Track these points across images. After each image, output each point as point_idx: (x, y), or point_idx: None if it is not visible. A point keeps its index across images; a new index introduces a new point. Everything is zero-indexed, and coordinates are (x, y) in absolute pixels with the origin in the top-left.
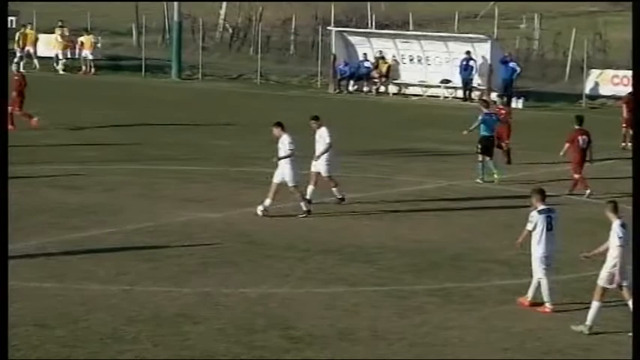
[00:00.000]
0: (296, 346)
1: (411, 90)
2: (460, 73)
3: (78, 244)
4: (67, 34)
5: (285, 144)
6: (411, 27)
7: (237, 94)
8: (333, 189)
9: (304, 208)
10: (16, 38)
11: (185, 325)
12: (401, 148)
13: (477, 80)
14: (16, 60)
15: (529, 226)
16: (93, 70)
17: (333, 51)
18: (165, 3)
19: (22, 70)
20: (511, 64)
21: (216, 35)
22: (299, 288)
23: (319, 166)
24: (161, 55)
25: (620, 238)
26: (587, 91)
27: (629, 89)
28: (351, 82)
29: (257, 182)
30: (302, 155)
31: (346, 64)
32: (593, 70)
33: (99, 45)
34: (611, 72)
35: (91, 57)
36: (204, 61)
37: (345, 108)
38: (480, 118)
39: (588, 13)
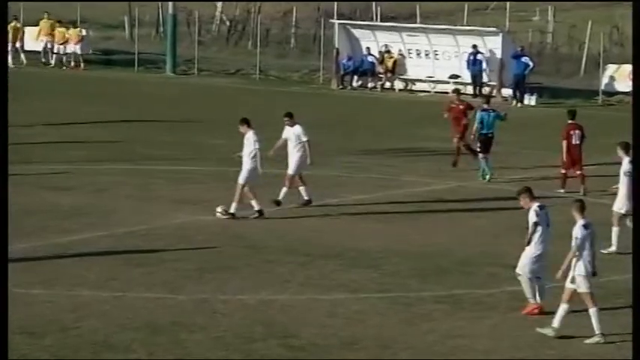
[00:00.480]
0: (297, 356)
1: (418, 86)
2: (468, 68)
3: (68, 248)
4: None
5: (250, 141)
6: (418, 19)
7: (235, 90)
8: (301, 188)
9: (232, 210)
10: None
11: (181, 334)
12: (407, 147)
13: (487, 75)
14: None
15: (533, 217)
16: (82, 65)
17: (336, 45)
18: None
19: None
20: (523, 59)
21: (212, 28)
22: (300, 294)
23: (290, 165)
24: (155, 49)
25: (576, 238)
26: (603, 87)
27: None
28: (355, 78)
29: (256, 183)
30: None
31: (350, 59)
32: (609, 65)
33: (83, 33)
34: (628, 67)
35: (79, 51)
36: (200, 56)
37: (349, 105)
38: (477, 115)
39: (605, 5)
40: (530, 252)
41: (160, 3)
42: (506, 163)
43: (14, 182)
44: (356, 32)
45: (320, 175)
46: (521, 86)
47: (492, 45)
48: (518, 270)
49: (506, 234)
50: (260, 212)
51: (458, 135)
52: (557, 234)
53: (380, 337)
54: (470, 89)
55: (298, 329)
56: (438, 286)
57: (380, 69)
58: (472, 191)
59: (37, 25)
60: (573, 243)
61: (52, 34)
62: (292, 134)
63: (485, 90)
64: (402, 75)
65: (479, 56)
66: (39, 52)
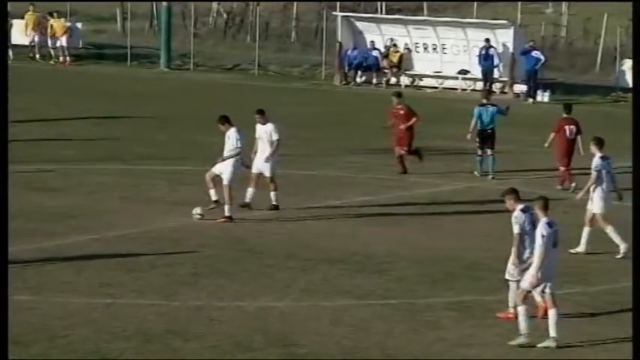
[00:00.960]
0: None
1: (425, 82)
2: (480, 63)
3: (56, 252)
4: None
5: (232, 139)
6: (425, 12)
7: (233, 86)
8: (272, 193)
9: (227, 213)
10: None
11: (175, 342)
12: (415, 145)
13: (499, 71)
14: None
15: (517, 229)
16: (68, 59)
17: (339, 38)
18: None
19: None
20: (534, 53)
21: (209, 21)
22: (301, 301)
23: (263, 166)
24: (148, 42)
25: (542, 237)
26: (619, 82)
27: None
28: (359, 73)
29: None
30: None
31: (355, 48)
32: (626, 59)
33: (68, 24)
34: None
35: (65, 44)
36: (196, 50)
37: (353, 101)
38: (475, 111)
39: None
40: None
41: None
42: (518, 163)
43: None
44: (360, 25)
45: (322, 176)
46: (533, 82)
47: (503, 39)
48: (507, 275)
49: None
50: (229, 218)
51: (395, 142)
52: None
53: (385, 345)
54: (479, 85)
55: (299, 338)
56: (446, 293)
57: (385, 64)
58: (481, 192)
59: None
60: (539, 241)
61: (40, 28)
62: (264, 132)
63: (496, 86)
64: (408, 70)
65: (491, 51)
66: (27, 47)
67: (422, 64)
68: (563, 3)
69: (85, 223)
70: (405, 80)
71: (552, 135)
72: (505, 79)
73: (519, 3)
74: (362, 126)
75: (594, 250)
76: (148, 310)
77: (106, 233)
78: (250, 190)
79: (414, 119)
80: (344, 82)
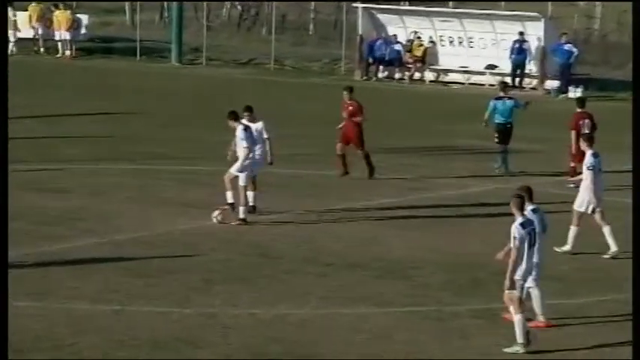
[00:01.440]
0: None
1: (450, 77)
2: (511, 57)
3: (61, 257)
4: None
5: (237, 138)
6: (450, 3)
7: (248, 81)
8: (251, 193)
9: (242, 215)
10: None
11: (186, 351)
12: (439, 145)
13: (530, 66)
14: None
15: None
16: (71, 52)
17: (360, 31)
18: None
19: None
20: (566, 46)
21: (222, 13)
22: (320, 309)
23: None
24: (159, 36)
25: (514, 238)
26: None
27: None
28: (381, 68)
29: (270, 184)
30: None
31: (377, 39)
32: None
33: (73, 15)
34: None
35: (70, 37)
36: (209, 44)
37: (374, 98)
38: (490, 104)
39: None
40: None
41: None
42: (549, 163)
43: None
44: (382, 17)
45: (343, 176)
46: (566, 77)
47: (534, 31)
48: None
49: (548, 242)
50: (244, 220)
51: (340, 139)
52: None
53: (409, 355)
54: (508, 80)
55: (318, 347)
56: (473, 300)
57: (408, 58)
58: (511, 194)
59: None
60: (512, 243)
61: (44, 20)
62: (254, 130)
63: (527, 82)
64: (432, 65)
65: (525, 45)
66: (30, 40)
67: (447, 58)
68: None
69: (92, 225)
70: (429, 75)
71: (573, 133)
72: (536, 74)
73: None
74: (384, 124)
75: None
76: (159, 317)
77: (113, 236)
78: (251, 194)
79: (359, 118)
80: (365, 78)
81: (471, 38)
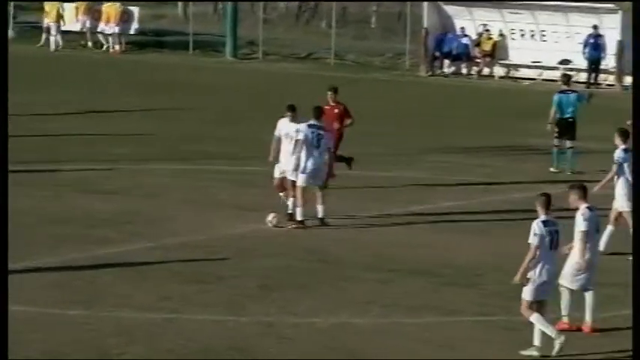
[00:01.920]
0: None
1: (521, 72)
2: (584, 52)
3: (110, 262)
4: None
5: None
6: None
7: (306, 77)
8: (290, 200)
9: (299, 218)
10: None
11: None
12: (509, 144)
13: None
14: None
15: (584, 227)
16: (118, 47)
17: (425, 24)
18: None
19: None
20: None
21: (280, 5)
22: (383, 317)
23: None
24: (213, 29)
25: (534, 234)
26: None
27: None
28: (447, 63)
29: (332, 186)
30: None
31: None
32: None
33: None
34: None
35: (117, 31)
36: (266, 37)
37: (440, 94)
38: (554, 98)
39: None
40: (573, 262)
41: None
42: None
43: (43, 185)
44: (448, 9)
45: (405, 178)
46: None
47: (610, 24)
48: (561, 280)
49: (626, 247)
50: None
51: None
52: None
53: None
54: (583, 76)
55: (380, 358)
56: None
57: (477, 52)
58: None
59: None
60: (530, 239)
61: (92, 12)
62: (293, 131)
63: (604, 78)
64: (502, 60)
65: (600, 40)
66: (77, 33)
67: (518, 52)
68: None
69: (142, 229)
70: (498, 71)
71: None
72: (613, 69)
73: None
74: (450, 122)
75: None
76: (212, 326)
77: (164, 241)
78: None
79: (349, 120)
80: (430, 73)
81: (543, 31)
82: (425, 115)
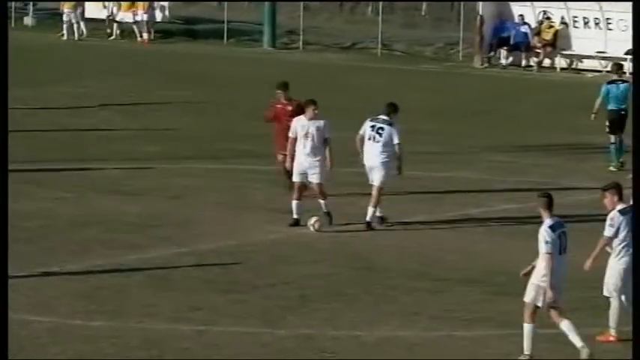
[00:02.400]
0: None
1: (585, 64)
2: None
3: (137, 269)
4: None
5: (322, 129)
6: None
7: (351, 68)
8: (323, 202)
9: (368, 218)
10: None
11: None
12: (571, 142)
13: None
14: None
15: (609, 232)
16: (145, 37)
17: (480, 11)
18: None
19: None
20: None
21: None
22: (432, 330)
23: (312, 170)
24: (249, 17)
25: (547, 243)
26: None
27: None
28: (504, 53)
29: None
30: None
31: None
32: None
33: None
34: None
35: (146, 19)
36: (306, 25)
37: (496, 88)
38: (602, 88)
39: None
40: (613, 270)
41: None
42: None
43: (66, 185)
44: None
45: (459, 178)
46: None
47: None
48: (606, 292)
49: None
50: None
51: (283, 151)
52: None
53: None
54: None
55: None
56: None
57: (537, 42)
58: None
59: None
60: (543, 249)
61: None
62: (315, 128)
63: None
64: (565, 50)
65: None
66: (103, 21)
67: (581, 42)
68: None
69: (171, 233)
70: (560, 62)
71: None
72: None
73: None
74: (508, 118)
75: None
76: (247, 338)
77: (195, 246)
78: (295, 203)
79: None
80: (486, 64)
81: (609, 19)
82: (479, 111)
